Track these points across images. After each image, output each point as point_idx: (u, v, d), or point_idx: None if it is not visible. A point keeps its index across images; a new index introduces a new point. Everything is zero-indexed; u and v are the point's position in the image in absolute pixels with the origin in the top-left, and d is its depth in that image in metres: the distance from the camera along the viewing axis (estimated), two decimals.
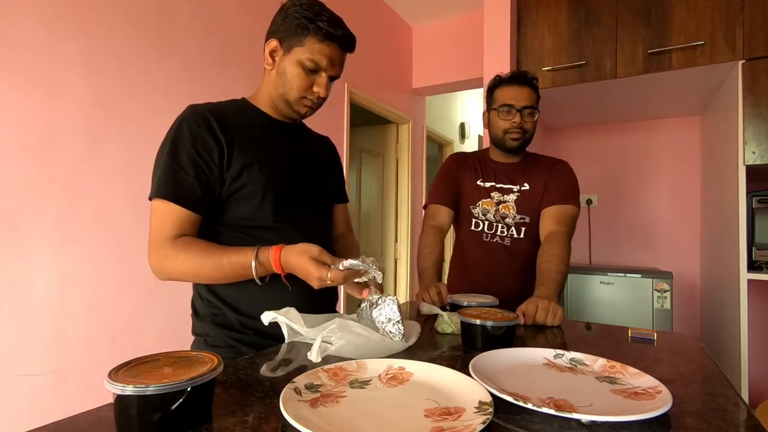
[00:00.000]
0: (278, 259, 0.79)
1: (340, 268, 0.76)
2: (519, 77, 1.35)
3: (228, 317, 0.90)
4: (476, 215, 1.42)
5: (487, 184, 1.42)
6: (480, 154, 1.50)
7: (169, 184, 0.82)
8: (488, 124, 1.42)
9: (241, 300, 0.90)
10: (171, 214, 0.81)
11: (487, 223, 1.41)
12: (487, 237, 1.42)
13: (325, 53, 0.87)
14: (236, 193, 0.88)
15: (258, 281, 0.83)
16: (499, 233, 1.40)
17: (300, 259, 0.77)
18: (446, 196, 1.43)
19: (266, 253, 0.80)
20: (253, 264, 0.80)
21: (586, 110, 2.64)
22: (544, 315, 1.01)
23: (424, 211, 1.48)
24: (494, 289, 1.25)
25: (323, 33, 0.86)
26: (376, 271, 0.79)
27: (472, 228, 1.43)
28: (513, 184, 1.40)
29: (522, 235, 1.39)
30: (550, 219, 1.32)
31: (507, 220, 1.39)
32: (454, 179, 1.46)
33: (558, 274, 1.18)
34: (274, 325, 0.81)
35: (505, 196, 1.40)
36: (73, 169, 1.42)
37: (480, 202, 1.42)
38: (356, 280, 0.80)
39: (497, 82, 1.39)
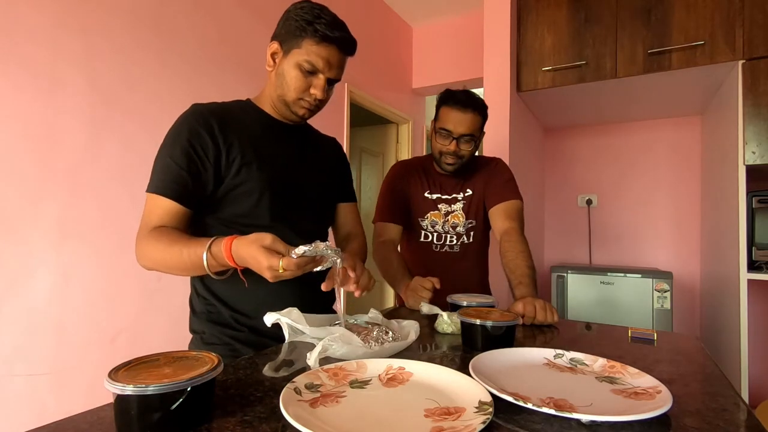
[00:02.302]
0: (230, 249, 0.74)
1: (293, 256, 0.70)
2: (463, 101, 1.30)
3: (223, 314, 0.91)
4: (425, 227, 1.44)
5: (434, 196, 1.44)
6: (425, 162, 1.48)
7: (162, 177, 0.83)
8: (431, 136, 1.41)
9: (236, 297, 0.91)
10: (159, 206, 0.83)
11: (435, 234, 1.43)
12: (436, 248, 1.44)
13: (321, 55, 0.87)
14: (234, 190, 0.88)
15: (213, 275, 0.78)
16: (448, 243, 1.43)
17: (250, 249, 0.71)
18: (393, 213, 1.42)
19: (219, 244, 0.75)
20: (205, 256, 0.75)
21: (586, 110, 2.64)
22: (544, 313, 1.01)
23: (373, 227, 1.46)
24: (444, 291, 1.23)
25: (320, 35, 0.86)
26: (333, 256, 0.75)
27: (422, 239, 1.44)
28: (457, 193, 1.43)
29: (471, 239, 1.43)
30: (500, 216, 1.34)
31: (458, 228, 1.42)
32: (400, 193, 1.44)
33: (529, 269, 1.19)
34: (271, 323, 0.81)
35: (452, 206, 1.42)
36: (74, 167, 1.42)
37: (428, 215, 1.43)
38: (318, 269, 0.76)
39: (443, 99, 1.34)
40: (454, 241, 1.43)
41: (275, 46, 0.91)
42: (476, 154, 1.47)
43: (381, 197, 1.47)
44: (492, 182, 1.40)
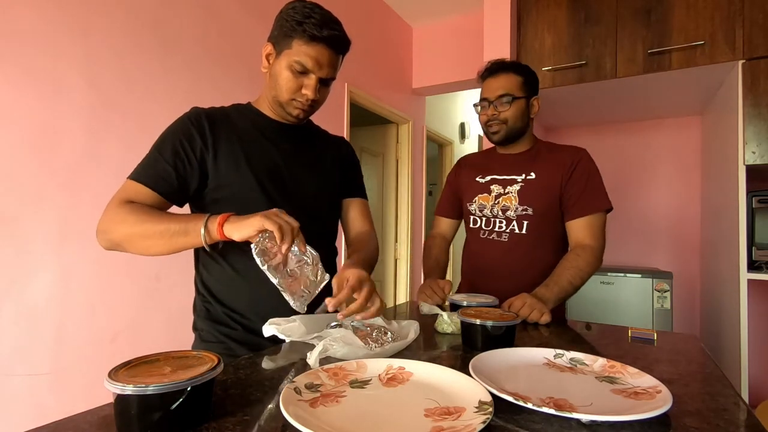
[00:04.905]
0: (227, 217, 0.76)
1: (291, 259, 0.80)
2: (491, 69, 1.29)
3: (218, 312, 0.92)
4: (473, 212, 1.36)
5: (486, 178, 1.35)
6: (487, 151, 1.44)
7: (146, 168, 0.86)
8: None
9: (230, 295, 0.91)
10: (135, 191, 0.84)
11: (484, 219, 1.34)
12: (484, 234, 1.34)
13: (311, 55, 0.87)
14: (223, 189, 0.89)
15: (205, 236, 0.77)
16: (496, 229, 1.31)
17: (254, 216, 0.75)
18: (445, 207, 1.47)
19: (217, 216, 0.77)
20: (206, 220, 0.77)
21: (586, 110, 2.64)
22: (529, 311, 1.00)
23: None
24: (489, 289, 1.22)
25: (308, 35, 0.86)
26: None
27: (471, 225, 1.38)
28: (516, 174, 1.30)
29: (524, 230, 1.27)
30: (580, 230, 1.23)
31: (508, 213, 1.29)
32: (454, 186, 1.45)
33: (568, 284, 1.14)
34: (264, 323, 0.81)
35: (508, 187, 1.30)
36: (73, 169, 1.42)
37: (476, 198, 1.35)
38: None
39: (479, 78, 1.34)
40: (503, 228, 1.30)
41: (269, 47, 0.92)
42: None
43: (442, 191, 1.51)
44: (573, 184, 1.24)
